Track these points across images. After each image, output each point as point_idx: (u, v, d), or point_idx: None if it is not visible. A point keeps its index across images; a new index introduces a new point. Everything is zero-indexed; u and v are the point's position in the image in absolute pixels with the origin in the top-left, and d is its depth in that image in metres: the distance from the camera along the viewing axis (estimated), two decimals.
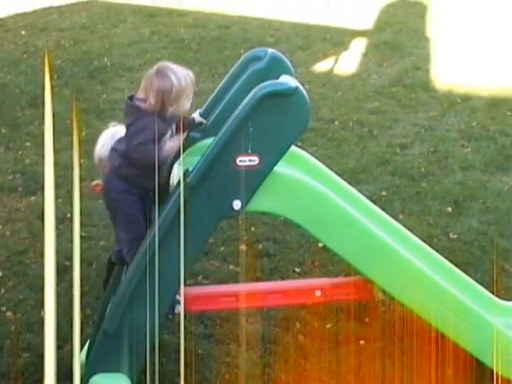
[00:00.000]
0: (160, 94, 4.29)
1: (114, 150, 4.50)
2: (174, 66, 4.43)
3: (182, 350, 4.51)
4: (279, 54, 4.61)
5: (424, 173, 7.56)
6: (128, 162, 4.37)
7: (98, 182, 4.91)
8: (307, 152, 5.04)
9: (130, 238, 4.42)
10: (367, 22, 12.89)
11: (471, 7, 13.20)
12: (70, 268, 5.94)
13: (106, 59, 11.20)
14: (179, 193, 4.13)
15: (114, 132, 4.79)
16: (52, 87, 9.42)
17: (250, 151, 4.09)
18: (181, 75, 4.39)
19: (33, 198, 7.20)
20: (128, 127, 4.37)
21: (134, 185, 4.41)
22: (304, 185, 4.31)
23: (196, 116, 4.66)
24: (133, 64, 10.98)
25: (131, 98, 4.43)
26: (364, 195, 5.12)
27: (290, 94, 4.08)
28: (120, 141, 4.48)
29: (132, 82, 10.24)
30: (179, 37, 12.17)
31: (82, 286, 5.79)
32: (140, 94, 4.38)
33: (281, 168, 4.26)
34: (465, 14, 13.00)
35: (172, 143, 4.33)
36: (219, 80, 9.36)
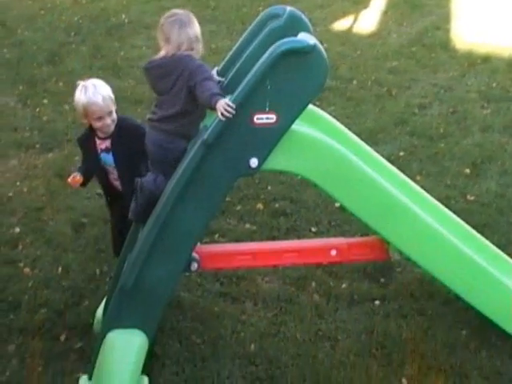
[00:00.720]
0: (190, 40, 4.34)
1: (161, 121, 4.39)
2: (184, 12, 4.46)
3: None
4: (298, 12, 4.54)
5: (442, 134, 7.50)
6: (183, 121, 4.34)
7: (76, 174, 4.89)
8: (325, 111, 5.01)
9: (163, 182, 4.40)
10: None
11: None
12: (88, 225, 6.00)
13: (123, 16, 11.15)
14: (195, 150, 4.11)
15: (94, 83, 4.89)
16: (69, 44, 9.34)
17: (267, 109, 4.06)
18: (195, 19, 4.44)
19: (50, 155, 7.22)
20: (178, 79, 4.27)
21: (187, 138, 4.40)
22: (322, 144, 4.27)
23: (213, 74, 4.62)
24: (150, 21, 10.89)
25: (151, 61, 4.42)
26: (382, 155, 5.09)
27: (308, 51, 4.03)
28: (160, 115, 4.41)
29: (149, 39, 10.19)
30: None
31: (98, 243, 5.88)
32: (167, 50, 4.34)
33: (299, 126, 4.23)
34: None
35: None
36: (237, 38, 9.30)
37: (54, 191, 6.57)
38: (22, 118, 7.98)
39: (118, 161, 4.97)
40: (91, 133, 5.01)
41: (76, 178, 4.87)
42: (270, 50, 4.03)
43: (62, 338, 4.89)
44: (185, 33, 4.33)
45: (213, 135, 4.04)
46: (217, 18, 10.93)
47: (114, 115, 4.93)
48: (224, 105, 3.97)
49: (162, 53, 4.38)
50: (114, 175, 5.03)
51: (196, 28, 4.39)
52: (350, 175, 4.26)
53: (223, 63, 4.76)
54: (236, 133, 4.07)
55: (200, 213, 4.20)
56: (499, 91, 8.47)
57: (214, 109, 4.07)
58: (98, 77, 8.73)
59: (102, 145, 4.99)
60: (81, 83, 4.92)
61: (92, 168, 4.99)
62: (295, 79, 4.03)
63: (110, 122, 4.91)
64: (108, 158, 5.00)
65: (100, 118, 4.87)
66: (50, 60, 9.52)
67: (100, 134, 4.98)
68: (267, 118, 4.06)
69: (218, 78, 4.52)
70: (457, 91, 8.51)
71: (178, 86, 4.29)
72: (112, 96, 4.92)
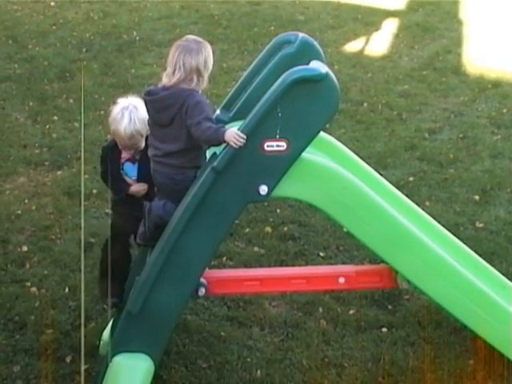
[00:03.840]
0: (189, 69, 4.20)
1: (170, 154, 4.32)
2: (197, 38, 4.33)
3: None
4: (310, 39, 4.56)
5: (452, 159, 7.49)
6: (189, 156, 4.28)
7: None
8: (335, 134, 5.01)
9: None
10: (399, 2, 12.77)
11: None
12: (96, 245, 5.98)
13: (135, 33, 11.19)
14: (205, 176, 4.11)
15: (132, 108, 4.59)
16: (80, 61, 9.36)
17: (277, 136, 4.06)
18: (209, 47, 4.31)
19: (59, 173, 7.23)
20: (177, 114, 4.20)
21: (197, 168, 4.34)
22: (331, 171, 4.27)
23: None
24: (162, 39, 10.96)
25: (150, 91, 4.31)
26: (391, 180, 5.10)
27: (319, 80, 4.04)
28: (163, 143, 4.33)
29: (161, 58, 10.21)
30: (209, 12, 12.12)
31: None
32: (167, 73, 4.25)
33: (308, 154, 4.23)
34: None
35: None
36: (248, 57, 9.37)
37: (63, 210, 6.57)
38: (31, 135, 7.99)
39: (142, 173, 4.76)
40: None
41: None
42: (282, 77, 4.03)
43: (68, 359, 4.87)
44: (183, 60, 4.20)
45: (223, 162, 4.04)
46: (228, 36, 10.95)
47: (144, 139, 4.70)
48: (234, 135, 3.97)
49: (163, 79, 4.28)
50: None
51: (200, 59, 4.22)
52: (358, 204, 4.25)
53: (235, 87, 4.77)
54: (246, 160, 4.06)
55: (208, 239, 4.19)
56: (509, 117, 8.47)
57: (222, 143, 4.07)
58: (108, 95, 8.81)
59: (128, 154, 4.78)
60: (121, 103, 4.62)
61: (114, 178, 4.75)
62: (306, 107, 4.03)
63: (139, 146, 4.69)
64: (131, 169, 4.80)
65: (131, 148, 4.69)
66: (60, 76, 9.55)
67: None
68: (277, 146, 4.06)
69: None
70: (467, 116, 8.51)
71: (177, 121, 4.22)
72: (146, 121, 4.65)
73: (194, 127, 4.13)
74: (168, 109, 4.23)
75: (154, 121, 4.36)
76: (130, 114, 4.56)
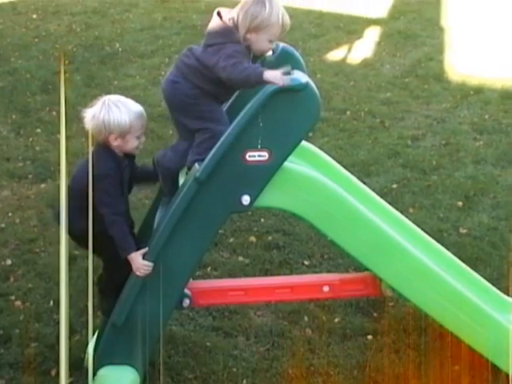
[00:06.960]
0: (247, 16, 4.20)
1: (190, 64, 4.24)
2: (276, 2, 4.24)
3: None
4: (290, 48, 4.56)
5: (435, 166, 7.52)
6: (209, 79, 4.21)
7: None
8: (318, 142, 5.03)
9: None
10: (381, 10, 12.83)
11: None
12: (79, 257, 5.96)
13: (117, 45, 11.18)
14: (188, 187, 4.11)
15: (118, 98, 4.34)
16: (63, 73, 9.28)
17: (259, 146, 4.07)
18: (277, 11, 4.20)
19: (43, 186, 7.20)
20: (212, 45, 4.19)
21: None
22: (313, 181, 4.28)
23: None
24: (144, 50, 10.97)
25: (219, 13, 4.29)
26: (374, 188, 5.10)
27: (300, 89, 4.04)
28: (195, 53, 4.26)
29: (144, 69, 10.24)
30: (191, 23, 12.13)
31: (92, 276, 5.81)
32: (232, 13, 4.27)
33: (290, 163, 4.23)
34: (480, 3, 12.91)
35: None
36: None
37: (47, 222, 6.53)
38: (14, 148, 7.96)
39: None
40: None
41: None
42: (263, 88, 4.04)
43: (53, 372, 4.83)
44: (245, 11, 4.22)
45: (205, 172, 4.04)
46: None
47: None
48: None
49: (230, 13, 4.28)
50: None
51: (263, 20, 4.17)
52: (341, 213, 4.26)
53: None
54: (228, 170, 4.07)
55: (192, 249, 4.19)
56: (492, 123, 8.52)
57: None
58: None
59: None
60: (105, 100, 4.28)
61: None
62: (287, 117, 4.04)
63: None
64: None
65: (142, 134, 4.35)
66: (43, 89, 9.52)
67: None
68: (259, 156, 4.06)
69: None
70: (449, 123, 8.55)
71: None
72: None
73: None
74: (215, 35, 4.24)
75: None
76: (123, 99, 4.31)
